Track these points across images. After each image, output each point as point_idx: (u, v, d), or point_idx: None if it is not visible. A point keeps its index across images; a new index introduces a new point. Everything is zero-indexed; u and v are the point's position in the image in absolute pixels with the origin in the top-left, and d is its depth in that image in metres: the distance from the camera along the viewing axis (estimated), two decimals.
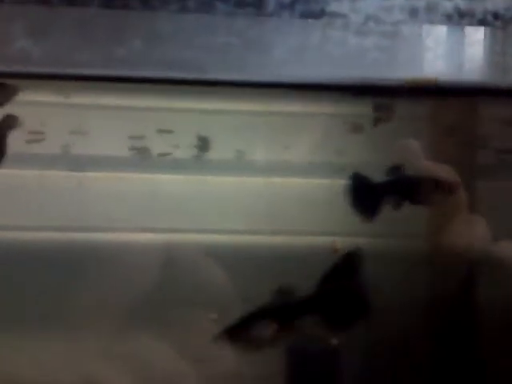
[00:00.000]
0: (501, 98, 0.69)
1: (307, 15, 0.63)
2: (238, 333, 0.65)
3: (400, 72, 0.66)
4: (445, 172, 0.70)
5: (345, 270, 0.66)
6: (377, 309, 0.67)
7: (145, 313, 0.68)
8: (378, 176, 0.69)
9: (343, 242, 0.69)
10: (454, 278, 0.71)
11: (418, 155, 0.70)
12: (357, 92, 0.67)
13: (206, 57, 0.64)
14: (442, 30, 0.66)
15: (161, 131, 0.70)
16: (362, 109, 0.71)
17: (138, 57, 0.63)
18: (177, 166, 0.71)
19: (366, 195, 0.69)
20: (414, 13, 0.64)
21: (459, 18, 0.65)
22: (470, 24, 0.65)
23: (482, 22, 0.65)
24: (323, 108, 0.71)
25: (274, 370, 0.70)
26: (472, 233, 0.70)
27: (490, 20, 0.65)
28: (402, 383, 0.71)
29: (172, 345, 0.69)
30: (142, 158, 0.70)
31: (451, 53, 0.67)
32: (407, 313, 0.70)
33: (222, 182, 0.71)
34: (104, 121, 0.69)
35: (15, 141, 0.66)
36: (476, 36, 0.67)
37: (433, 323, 0.71)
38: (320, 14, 0.63)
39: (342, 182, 0.69)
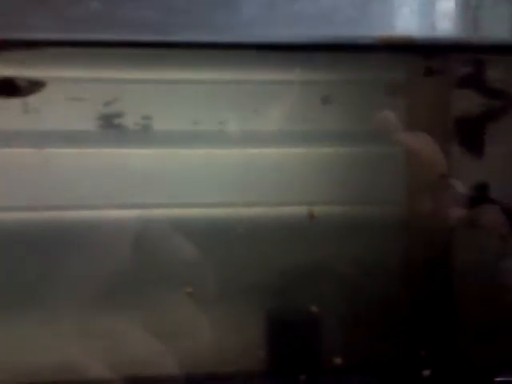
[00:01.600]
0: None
1: None
2: None
3: (373, 30, 0.64)
4: (422, 141, 0.69)
5: None
6: (354, 276, 0.67)
7: (118, 291, 0.66)
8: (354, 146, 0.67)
9: (319, 211, 0.67)
10: (431, 242, 0.70)
11: (395, 126, 0.68)
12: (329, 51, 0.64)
13: (168, 17, 0.60)
14: None
15: (125, 104, 0.65)
16: (333, 76, 0.68)
17: (96, 18, 0.58)
18: (145, 140, 0.66)
19: None
20: None
21: None
22: None
23: None
24: (296, 75, 0.67)
25: (253, 342, 0.68)
26: (450, 196, 0.69)
27: None
28: (381, 348, 0.69)
29: (147, 322, 0.67)
30: (108, 132, 0.66)
31: (424, 9, 0.65)
32: (385, 278, 0.68)
33: (191, 154, 0.67)
34: (66, 94, 0.64)
35: None
36: None
37: (411, 287, 0.70)
38: None
39: (316, 151, 0.67)
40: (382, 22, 0.63)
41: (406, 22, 0.64)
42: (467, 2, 0.65)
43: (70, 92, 0.64)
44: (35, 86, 0.61)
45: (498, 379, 0.68)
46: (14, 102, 0.63)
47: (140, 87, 0.66)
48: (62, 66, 0.64)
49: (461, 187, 0.70)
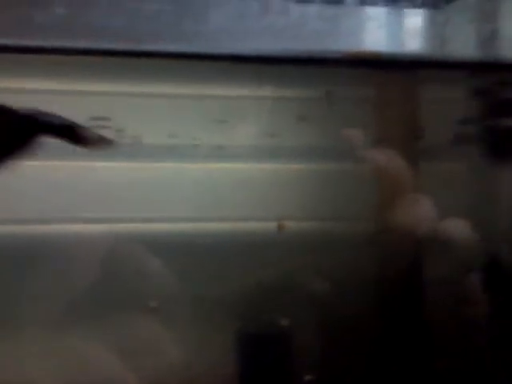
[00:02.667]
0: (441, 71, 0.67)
1: None
2: None
3: (342, 43, 0.63)
4: (388, 157, 0.69)
5: None
6: (325, 291, 0.66)
7: (83, 308, 0.63)
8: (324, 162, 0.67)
9: (289, 226, 0.66)
10: (401, 257, 0.70)
11: (360, 144, 0.68)
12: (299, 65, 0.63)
13: (136, 25, 0.58)
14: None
15: (95, 118, 0.63)
16: (305, 92, 0.68)
17: (61, 24, 0.57)
18: (114, 153, 0.65)
19: None
20: None
21: None
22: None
23: None
24: (268, 91, 0.67)
25: (224, 358, 0.66)
26: (418, 212, 0.69)
27: None
28: (353, 362, 0.68)
29: (111, 340, 0.64)
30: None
31: (392, 24, 0.65)
32: (356, 293, 0.68)
33: (161, 168, 0.66)
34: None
35: None
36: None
37: (381, 302, 0.70)
38: None
39: (285, 167, 0.67)
40: (350, 37, 0.63)
41: (374, 37, 0.65)
42: (434, 18, 0.65)
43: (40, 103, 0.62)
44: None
45: None
46: None
47: (109, 99, 0.65)
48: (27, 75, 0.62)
49: (428, 202, 0.70)
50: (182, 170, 0.66)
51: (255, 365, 0.67)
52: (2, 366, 0.63)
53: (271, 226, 0.66)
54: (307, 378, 0.67)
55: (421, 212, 0.70)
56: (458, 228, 0.70)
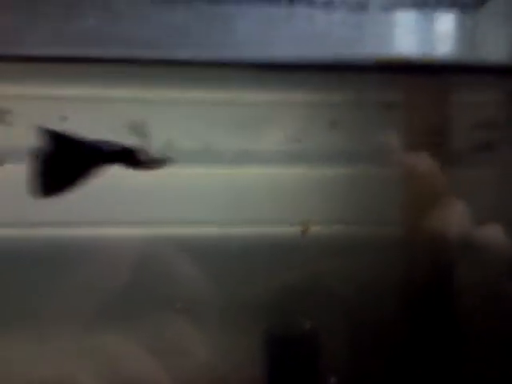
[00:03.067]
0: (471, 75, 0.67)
1: None
2: None
3: (369, 49, 0.64)
4: (422, 160, 0.69)
5: None
6: (352, 295, 0.66)
7: (115, 308, 0.65)
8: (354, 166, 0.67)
9: (319, 231, 0.67)
10: (430, 261, 0.69)
11: (394, 147, 0.68)
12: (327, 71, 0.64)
13: (165, 34, 0.60)
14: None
15: (129, 124, 0.66)
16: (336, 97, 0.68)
17: (92, 35, 0.59)
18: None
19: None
20: None
21: None
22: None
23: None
24: (293, 96, 0.67)
25: (250, 359, 0.67)
26: (452, 216, 0.68)
27: None
28: (377, 366, 0.68)
29: (143, 340, 0.66)
30: None
31: (421, 29, 0.65)
32: (382, 297, 0.68)
33: (190, 173, 0.67)
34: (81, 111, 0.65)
35: None
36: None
37: (408, 306, 0.69)
38: None
39: (314, 171, 0.67)
40: (377, 43, 0.64)
41: (403, 43, 0.65)
42: (463, 22, 0.65)
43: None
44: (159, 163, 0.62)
45: None
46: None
47: (143, 106, 0.67)
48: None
49: (461, 207, 0.69)
50: (211, 175, 0.68)
51: (281, 366, 0.68)
52: (40, 367, 0.65)
53: (298, 229, 0.66)
54: (332, 380, 0.67)
55: (455, 217, 0.69)
56: (494, 234, 0.69)
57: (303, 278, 0.67)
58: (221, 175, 0.68)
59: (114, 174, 0.67)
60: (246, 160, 0.68)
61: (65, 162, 0.58)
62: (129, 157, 0.59)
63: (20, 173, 0.65)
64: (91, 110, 0.64)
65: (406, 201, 0.69)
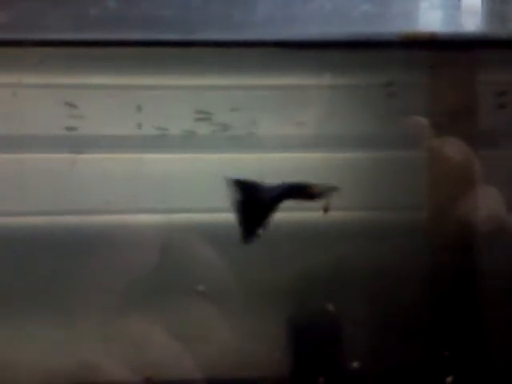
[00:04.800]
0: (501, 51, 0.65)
1: None
2: None
3: (393, 26, 0.62)
4: (452, 145, 0.67)
5: None
6: (377, 280, 0.66)
7: (140, 294, 0.66)
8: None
9: (340, 217, 0.66)
10: (457, 247, 0.67)
11: (425, 132, 0.66)
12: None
13: (185, 16, 0.60)
14: None
15: (157, 109, 0.66)
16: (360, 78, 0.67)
17: (113, 18, 0.59)
18: (170, 145, 0.67)
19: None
20: None
21: None
22: None
23: None
24: (317, 79, 0.67)
25: (274, 345, 0.67)
26: (482, 202, 0.66)
27: None
28: (404, 352, 0.66)
29: (168, 325, 0.66)
30: (137, 138, 0.66)
31: (446, 3, 0.63)
32: (408, 283, 0.67)
33: (214, 159, 0.67)
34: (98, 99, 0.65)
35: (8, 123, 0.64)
36: None
37: (434, 293, 0.68)
38: None
39: (338, 156, 0.67)
40: (402, 19, 0.62)
41: (428, 19, 0.63)
42: None
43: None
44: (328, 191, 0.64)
45: None
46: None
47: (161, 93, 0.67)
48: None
49: (494, 192, 0.67)
50: (236, 160, 0.67)
51: (305, 351, 0.67)
52: (65, 352, 0.66)
53: (321, 214, 0.65)
54: (355, 365, 0.66)
55: (485, 202, 0.67)
56: None
57: (327, 263, 0.67)
58: (244, 160, 0.67)
59: (138, 162, 0.67)
60: (271, 145, 0.67)
61: (254, 207, 0.63)
62: (303, 192, 0.63)
63: (50, 162, 0.66)
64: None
65: (433, 185, 0.67)
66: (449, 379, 0.66)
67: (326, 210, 0.65)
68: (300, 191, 0.63)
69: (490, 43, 0.64)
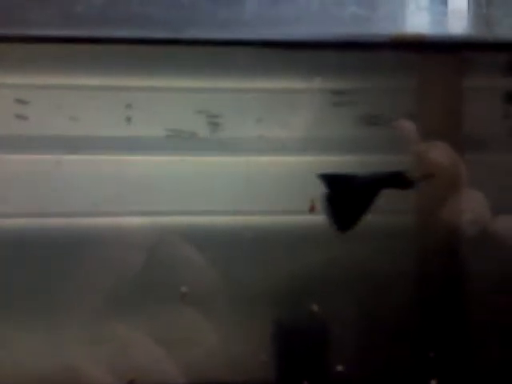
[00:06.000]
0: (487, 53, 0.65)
1: None
2: None
3: (381, 27, 0.62)
4: (440, 150, 0.67)
5: None
6: (364, 283, 0.66)
7: (126, 297, 0.65)
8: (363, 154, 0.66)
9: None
10: (443, 251, 0.67)
11: (412, 136, 0.66)
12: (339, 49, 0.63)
13: (172, 14, 0.60)
14: None
15: (144, 111, 0.65)
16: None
17: (99, 15, 0.58)
18: (157, 147, 0.66)
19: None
20: None
21: None
22: None
23: None
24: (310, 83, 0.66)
25: (260, 348, 0.66)
26: (469, 207, 0.66)
27: None
28: (389, 355, 0.66)
29: (153, 329, 0.65)
30: (122, 139, 0.66)
31: (433, 5, 0.63)
32: (393, 286, 0.66)
33: (202, 161, 0.67)
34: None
35: None
36: None
37: (420, 297, 0.68)
38: None
39: (323, 159, 0.67)
40: (390, 21, 0.62)
41: (416, 21, 0.63)
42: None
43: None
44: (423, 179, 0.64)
45: None
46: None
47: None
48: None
49: (479, 196, 0.67)
50: (222, 163, 0.67)
51: (289, 354, 0.66)
52: (48, 355, 0.65)
53: (307, 218, 0.65)
54: (339, 368, 0.66)
55: (472, 206, 0.67)
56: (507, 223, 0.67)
57: (314, 265, 0.66)
58: (232, 164, 0.67)
59: (125, 164, 0.66)
60: (257, 148, 0.67)
61: (349, 199, 0.64)
62: (398, 180, 0.63)
63: (39, 163, 0.65)
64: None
65: (421, 189, 0.67)
66: (433, 382, 0.66)
67: (311, 210, 0.65)
68: (395, 179, 0.64)
69: (478, 46, 0.64)
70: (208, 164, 0.67)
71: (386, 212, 0.67)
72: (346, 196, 0.64)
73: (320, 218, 0.64)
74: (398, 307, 0.66)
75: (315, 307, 0.65)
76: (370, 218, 0.66)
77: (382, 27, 0.62)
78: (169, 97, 0.66)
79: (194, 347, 0.65)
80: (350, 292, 0.66)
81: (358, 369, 0.66)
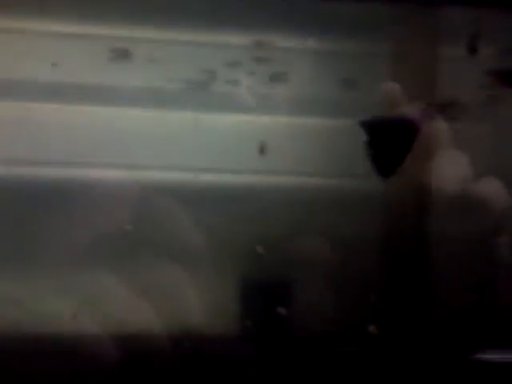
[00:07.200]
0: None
1: None
2: None
3: None
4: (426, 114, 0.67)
5: None
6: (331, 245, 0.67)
7: (106, 251, 0.66)
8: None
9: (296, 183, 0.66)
10: (413, 214, 0.68)
11: (397, 99, 0.66)
12: None
13: None
14: None
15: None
16: None
17: None
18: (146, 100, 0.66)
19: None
20: None
21: None
22: None
23: None
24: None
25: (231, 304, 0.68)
26: (453, 169, 0.67)
27: None
28: (354, 319, 0.68)
29: (135, 282, 0.66)
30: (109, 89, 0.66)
31: None
32: (362, 251, 0.68)
33: (186, 118, 0.67)
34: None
35: None
36: None
37: (388, 260, 0.69)
38: None
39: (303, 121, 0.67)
40: None
41: None
42: None
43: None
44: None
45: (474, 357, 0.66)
46: None
47: None
48: None
49: (462, 160, 0.68)
50: (207, 120, 0.67)
51: (260, 309, 0.68)
52: (25, 305, 0.66)
53: (286, 180, 0.65)
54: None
55: (449, 169, 0.68)
56: (492, 188, 0.68)
57: (285, 227, 0.67)
58: (213, 121, 0.67)
59: (109, 116, 0.66)
60: (232, 107, 0.67)
61: (389, 143, 0.64)
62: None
63: (13, 109, 0.65)
64: None
65: None
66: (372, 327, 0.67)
67: (261, 151, 0.65)
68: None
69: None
70: (192, 121, 0.67)
71: (357, 175, 0.67)
72: (386, 141, 0.64)
73: (291, 181, 0.65)
74: (367, 271, 0.67)
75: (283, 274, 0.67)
76: (341, 182, 0.67)
77: None
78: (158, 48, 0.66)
79: (176, 303, 0.67)
80: (318, 256, 0.67)
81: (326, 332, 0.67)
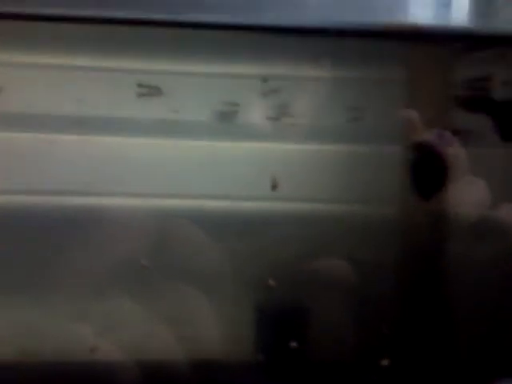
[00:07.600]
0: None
1: None
2: None
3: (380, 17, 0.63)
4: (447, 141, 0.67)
5: None
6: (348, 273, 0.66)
7: (125, 278, 0.66)
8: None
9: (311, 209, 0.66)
10: (430, 242, 0.68)
11: (416, 125, 0.67)
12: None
13: None
14: None
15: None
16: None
17: None
18: (164, 130, 0.67)
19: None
20: None
21: None
22: None
23: None
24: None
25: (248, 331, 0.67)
26: (472, 196, 0.67)
27: None
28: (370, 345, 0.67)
29: (148, 307, 0.66)
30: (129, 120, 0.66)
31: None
32: (377, 276, 0.67)
33: (202, 146, 0.67)
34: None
35: None
36: None
37: (404, 287, 0.69)
38: None
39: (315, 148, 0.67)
40: (385, 9, 0.63)
41: (415, 11, 0.63)
42: None
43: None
44: None
45: None
46: None
47: None
48: None
49: (482, 186, 0.67)
50: (221, 148, 0.67)
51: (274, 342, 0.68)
52: (44, 330, 0.66)
53: (301, 207, 0.65)
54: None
55: (469, 196, 0.67)
56: (510, 214, 0.67)
57: (300, 253, 0.67)
58: (226, 149, 0.67)
59: (127, 145, 0.67)
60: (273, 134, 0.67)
61: (432, 164, 0.65)
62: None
63: (36, 141, 0.66)
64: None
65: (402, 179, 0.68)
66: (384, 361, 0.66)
67: (274, 187, 0.65)
68: None
69: (474, 36, 0.64)
70: (209, 149, 0.68)
71: (372, 201, 0.67)
72: (428, 162, 0.65)
73: (307, 207, 0.65)
74: (383, 297, 0.67)
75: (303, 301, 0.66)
76: (354, 208, 0.67)
77: (381, 16, 0.63)
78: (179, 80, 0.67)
79: (196, 329, 0.67)
80: (334, 281, 0.66)
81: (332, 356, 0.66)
